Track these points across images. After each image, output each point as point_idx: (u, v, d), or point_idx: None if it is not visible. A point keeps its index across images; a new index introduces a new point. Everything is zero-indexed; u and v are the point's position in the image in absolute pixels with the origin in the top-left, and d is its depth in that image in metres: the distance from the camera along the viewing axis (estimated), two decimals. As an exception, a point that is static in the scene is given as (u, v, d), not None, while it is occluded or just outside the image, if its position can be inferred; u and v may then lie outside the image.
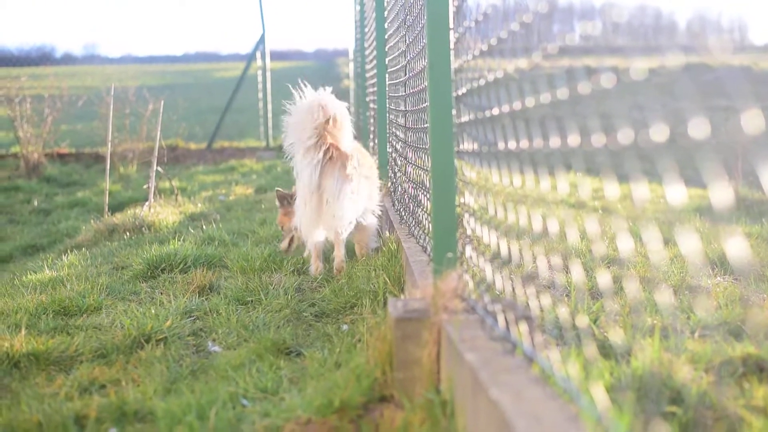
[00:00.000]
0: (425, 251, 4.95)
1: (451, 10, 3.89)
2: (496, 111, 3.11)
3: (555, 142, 2.40)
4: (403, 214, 6.52)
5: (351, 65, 24.48)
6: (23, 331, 5.06)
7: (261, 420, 3.53)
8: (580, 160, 2.24)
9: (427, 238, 4.91)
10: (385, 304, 4.97)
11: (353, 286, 5.77)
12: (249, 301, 5.91)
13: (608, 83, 2.03)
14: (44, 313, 5.66)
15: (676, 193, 1.79)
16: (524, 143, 2.76)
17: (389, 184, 8.34)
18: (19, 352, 4.75)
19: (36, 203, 16.64)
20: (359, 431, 3.33)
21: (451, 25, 3.88)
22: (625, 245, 2.04)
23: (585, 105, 2.17)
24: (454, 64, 3.89)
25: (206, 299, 6.00)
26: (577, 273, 2.42)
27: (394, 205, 7.37)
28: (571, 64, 2.34)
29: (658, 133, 1.80)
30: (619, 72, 2.06)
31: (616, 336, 2.18)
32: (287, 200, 7.18)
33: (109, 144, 12.17)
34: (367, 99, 12.55)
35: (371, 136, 11.73)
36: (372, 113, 11.49)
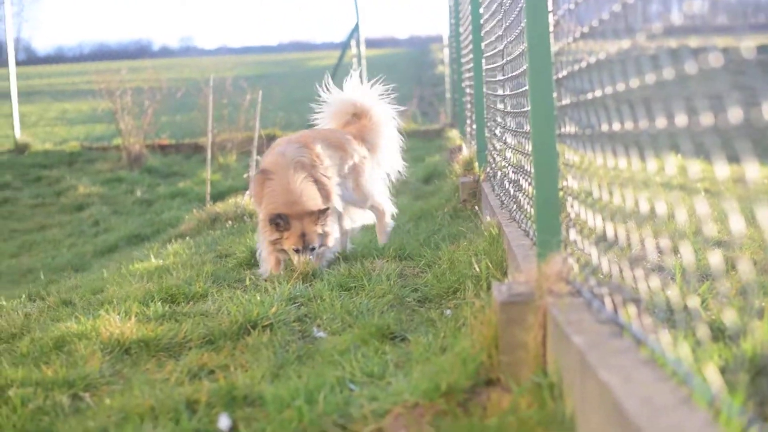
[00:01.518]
0: (527, 235, 4.94)
1: (551, -8, 3.87)
2: (598, 93, 3.10)
3: (661, 122, 2.39)
4: (503, 198, 6.51)
5: (445, 51, 24.42)
6: (133, 319, 5.20)
7: (369, 404, 3.57)
8: (687, 142, 2.22)
9: (529, 222, 4.91)
10: (488, 288, 4.97)
11: (455, 271, 5.78)
12: (352, 287, 5.96)
13: (716, 62, 2.02)
14: (152, 301, 5.80)
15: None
16: (629, 125, 2.74)
17: (488, 169, 8.33)
18: (130, 339, 4.88)
19: (139, 194, 17.01)
20: (467, 414, 3.35)
21: (550, 8, 3.86)
22: (736, 227, 2.02)
23: (690, 86, 2.15)
24: (554, 47, 3.87)
25: (310, 285, 6.08)
26: (687, 254, 2.40)
27: (494, 190, 7.36)
28: (675, 44, 2.32)
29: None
30: (725, 51, 2.04)
31: (727, 317, 2.16)
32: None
33: (210, 134, 12.34)
34: (463, 85, 12.54)
35: (468, 122, 11.72)
36: (469, 98, 11.48)
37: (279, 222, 6.50)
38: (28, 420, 3.85)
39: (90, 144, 21.75)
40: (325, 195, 6.93)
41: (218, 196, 13.77)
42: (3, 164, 19.89)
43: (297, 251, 6.56)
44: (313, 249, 6.61)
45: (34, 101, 31.34)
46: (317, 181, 6.89)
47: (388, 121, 7.97)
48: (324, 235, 6.66)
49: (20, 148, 21.09)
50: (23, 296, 6.94)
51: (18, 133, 21.65)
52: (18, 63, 22.51)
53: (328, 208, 6.68)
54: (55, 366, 4.50)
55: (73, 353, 4.74)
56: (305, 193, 6.68)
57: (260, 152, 12.68)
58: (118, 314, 5.36)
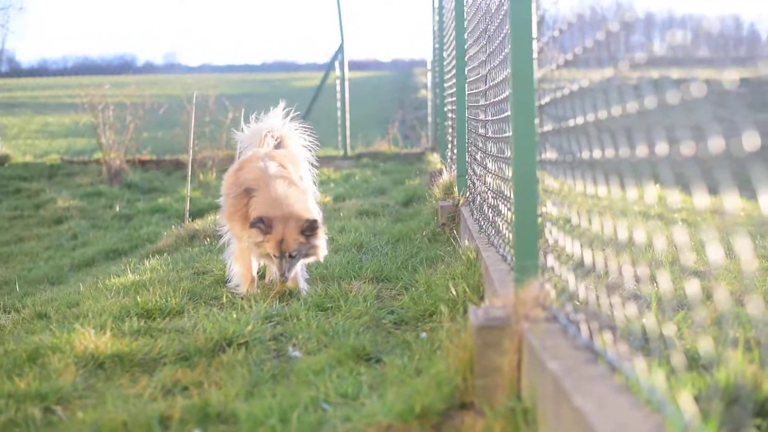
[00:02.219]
0: (505, 260, 4.95)
1: (535, 19, 3.90)
2: (580, 120, 3.11)
3: (642, 151, 2.40)
4: (482, 223, 6.52)
5: (429, 75, 24.48)
6: (108, 333, 5.17)
7: (342, 424, 3.57)
8: (667, 170, 2.24)
9: (507, 247, 4.92)
10: (464, 312, 4.98)
11: (432, 294, 5.79)
12: (329, 307, 5.96)
13: (698, 92, 2.04)
14: (128, 316, 5.78)
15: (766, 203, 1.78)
16: (609, 152, 2.76)
17: (467, 193, 8.35)
18: (104, 354, 4.86)
19: (118, 209, 16.94)
20: (440, 437, 3.34)
21: (535, 35, 3.89)
22: (713, 256, 2.04)
23: (671, 115, 2.17)
24: (538, 73, 3.89)
25: (286, 305, 6.07)
26: (663, 282, 2.42)
27: (473, 215, 7.38)
28: (658, 74, 2.35)
29: (749, 142, 1.80)
30: (708, 82, 2.05)
31: (703, 346, 2.17)
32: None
33: (191, 151, 12.33)
34: (446, 109, 12.58)
35: (449, 146, 11.75)
36: (450, 123, 11.51)
37: (260, 225, 6.33)
38: (-1, 432, 3.82)
39: (71, 158, 21.66)
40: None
41: (197, 213, 13.72)
42: (-18, 175, 19.79)
43: (276, 257, 6.37)
44: (291, 257, 6.39)
45: (16, 113, 31.19)
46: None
47: (304, 151, 8.01)
48: (311, 247, 6.46)
49: (0, 160, 20.99)
50: (-2, 308, 6.89)
51: (-2, 145, 21.56)
52: (1, 74, 22.44)
53: (316, 220, 6.50)
54: (28, 378, 4.47)
55: (47, 366, 4.71)
56: (292, 197, 6.59)
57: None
58: (93, 328, 5.33)
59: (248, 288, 6.67)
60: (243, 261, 6.79)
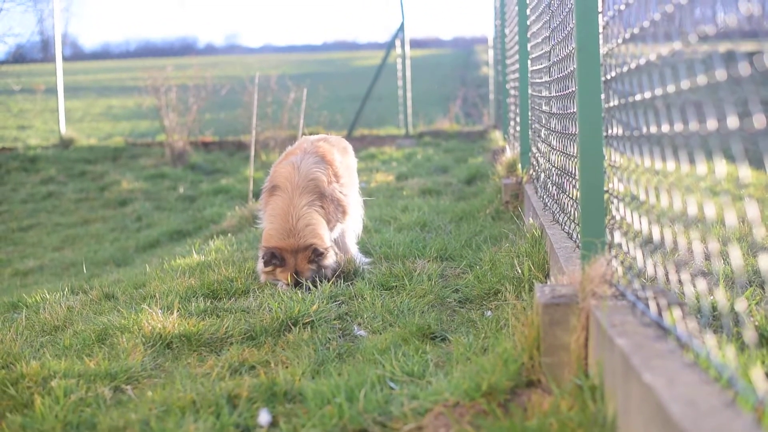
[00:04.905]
0: (571, 237, 4.93)
1: (600, -7, 3.86)
2: (647, 95, 3.08)
3: (711, 125, 2.37)
4: (546, 200, 6.49)
5: (490, 52, 24.37)
6: (175, 313, 5.24)
7: (409, 402, 3.57)
8: (737, 145, 2.20)
9: (572, 224, 4.89)
10: (529, 290, 4.96)
11: (497, 272, 5.77)
12: (393, 286, 5.97)
13: (770, 65, 2.00)
14: (194, 296, 5.84)
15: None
16: (677, 127, 2.73)
17: (531, 171, 8.31)
18: (172, 334, 4.92)
19: (182, 190, 17.12)
20: (507, 415, 3.34)
21: (600, 9, 3.85)
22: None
23: (741, 89, 2.14)
24: (603, 48, 3.86)
25: (351, 284, 6.09)
26: (734, 258, 2.39)
27: (536, 192, 7.34)
28: (726, 47, 2.31)
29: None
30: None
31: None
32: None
33: (254, 132, 12.40)
34: (508, 86, 12.50)
35: (512, 124, 11.69)
36: (513, 100, 11.45)
37: (273, 260, 6.27)
38: (70, 411, 3.88)
39: (134, 140, 21.93)
40: (342, 212, 6.86)
41: (260, 193, 13.82)
42: (48, 159, 20.09)
43: (288, 285, 6.27)
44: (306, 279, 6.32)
45: (80, 97, 31.64)
46: (333, 200, 6.72)
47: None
48: (322, 267, 6.37)
49: (65, 143, 21.28)
50: (66, 289, 6.99)
51: (63, 128, 21.84)
52: (65, 59, 22.75)
53: (323, 252, 6.34)
54: (98, 358, 4.54)
55: (116, 346, 4.78)
56: (305, 222, 6.44)
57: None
58: (160, 309, 5.40)
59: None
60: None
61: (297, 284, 6.23)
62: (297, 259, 6.28)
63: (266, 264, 6.29)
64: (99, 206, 16.70)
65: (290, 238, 6.33)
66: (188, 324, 5.04)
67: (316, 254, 6.29)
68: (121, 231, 14.61)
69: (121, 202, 16.75)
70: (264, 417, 3.68)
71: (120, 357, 4.59)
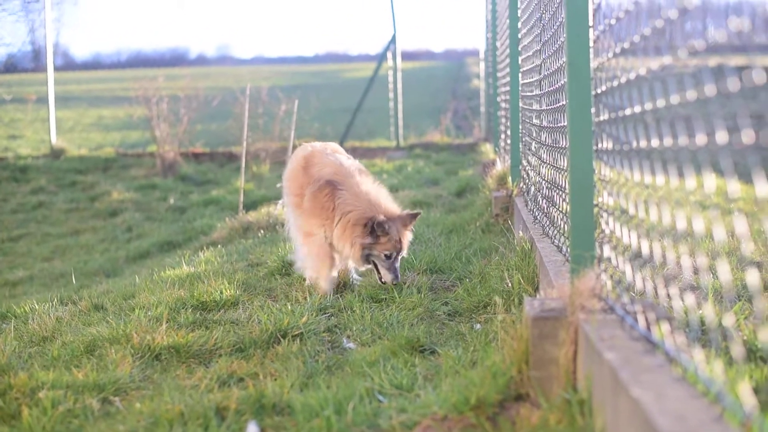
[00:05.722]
0: (560, 251, 4.93)
1: (591, 7, 3.87)
2: (637, 109, 3.09)
3: (700, 140, 2.38)
4: (536, 214, 6.49)
5: (481, 65, 24.40)
6: (164, 325, 5.23)
7: (397, 415, 3.57)
8: (726, 159, 2.21)
9: (562, 238, 4.89)
10: (519, 303, 4.97)
11: (486, 285, 5.78)
12: (382, 299, 5.97)
13: (759, 80, 2.01)
14: (183, 308, 5.83)
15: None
16: (667, 141, 2.73)
17: (521, 184, 8.31)
18: (160, 345, 4.91)
19: (172, 201, 17.10)
20: (496, 428, 3.34)
21: (591, 23, 3.86)
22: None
23: (731, 103, 2.14)
24: (594, 62, 3.87)
25: (340, 296, 6.09)
26: (722, 273, 2.39)
27: (527, 205, 7.35)
28: (716, 62, 2.31)
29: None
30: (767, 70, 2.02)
31: (763, 337, 2.14)
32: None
33: (245, 143, 12.40)
34: (499, 99, 12.52)
35: (503, 137, 11.70)
36: (504, 113, 11.46)
37: (383, 225, 6.08)
38: (58, 422, 3.87)
39: (125, 150, 21.92)
40: None
41: (251, 205, 13.82)
42: (39, 169, 20.05)
43: (388, 257, 6.17)
44: (401, 256, 6.30)
45: (71, 107, 31.57)
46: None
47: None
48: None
49: (56, 153, 21.26)
50: (55, 300, 6.98)
51: (54, 138, 21.81)
52: (56, 68, 22.70)
53: (419, 213, 6.48)
54: (86, 369, 4.53)
55: (104, 357, 4.77)
56: (382, 196, 6.43)
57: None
58: (149, 320, 5.39)
59: (328, 287, 6.36)
60: (323, 258, 6.44)
61: (398, 255, 6.22)
62: (399, 228, 6.21)
63: (371, 233, 6.11)
64: (89, 216, 16.67)
65: (378, 207, 6.25)
66: (177, 335, 5.03)
67: (413, 216, 6.35)
68: (111, 242, 14.58)
69: (112, 212, 16.73)
70: (252, 429, 3.68)
71: (108, 368, 4.58)
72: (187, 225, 14.58)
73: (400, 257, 6.25)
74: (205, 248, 9.84)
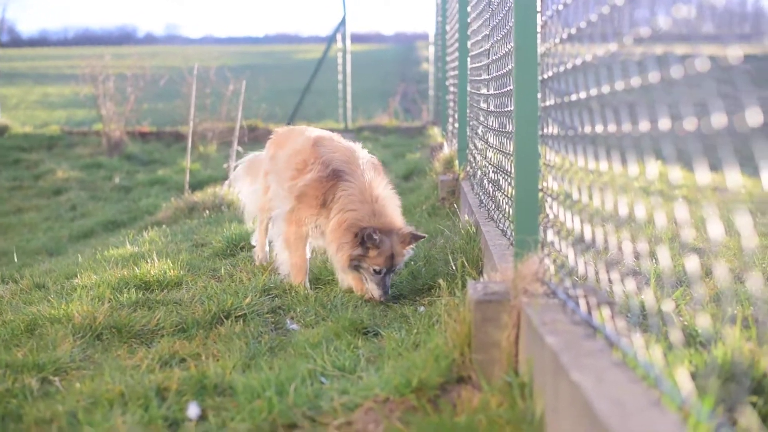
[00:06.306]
0: (505, 235, 4.95)
1: (539, -7, 3.88)
2: (583, 95, 3.10)
3: (644, 126, 2.39)
4: (482, 197, 6.52)
5: (431, 49, 24.43)
6: (106, 304, 5.18)
7: (339, 397, 3.56)
8: (669, 146, 2.22)
9: (507, 222, 4.91)
10: (463, 286, 4.98)
11: (431, 268, 5.79)
12: (327, 280, 5.96)
13: (702, 68, 2.02)
14: (126, 288, 5.77)
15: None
16: (612, 128, 2.74)
17: (468, 167, 8.34)
18: (102, 325, 4.86)
19: (117, 180, 16.95)
20: (437, 411, 3.34)
21: (539, 8, 3.86)
22: (714, 233, 2.02)
23: (675, 91, 2.15)
24: (541, 48, 3.87)
25: (285, 278, 6.06)
26: (663, 258, 2.41)
27: (473, 189, 7.37)
28: (662, 50, 2.33)
29: (752, 117, 1.78)
30: (712, 58, 2.04)
31: (702, 323, 2.17)
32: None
33: (192, 123, 12.31)
34: (447, 83, 12.53)
35: (450, 120, 11.72)
36: (452, 97, 11.48)
37: (374, 238, 5.53)
38: (-5, 402, 3.82)
39: (70, 128, 21.66)
40: None
41: (197, 185, 13.72)
42: (-19, 145, 19.78)
43: (377, 273, 5.60)
44: (393, 273, 5.73)
45: (16, 83, 31.17)
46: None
47: None
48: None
49: (0, 130, 20.96)
50: (-4, 278, 6.90)
51: (-2, 115, 21.52)
52: (1, 45, 22.40)
53: (423, 237, 5.82)
54: (26, 349, 4.47)
55: (45, 337, 4.71)
56: (390, 205, 5.85)
57: (241, 142, 12.68)
58: (91, 299, 5.33)
59: (302, 279, 5.98)
60: (298, 248, 6.01)
61: (388, 271, 5.63)
62: (394, 242, 5.61)
63: (361, 244, 5.56)
64: (33, 195, 16.47)
65: (382, 216, 5.71)
66: (119, 315, 4.98)
67: (415, 238, 5.73)
68: (54, 220, 14.42)
69: (56, 191, 16.53)
70: (193, 410, 3.65)
71: (48, 348, 4.52)
72: (133, 204, 14.46)
73: (391, 274, 5.69)
74: (149, 228, 9.76)
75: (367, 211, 5.66)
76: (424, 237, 5.78)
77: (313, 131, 6.44)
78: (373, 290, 5.61)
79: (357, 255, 5.59)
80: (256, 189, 6.96)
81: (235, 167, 7.41)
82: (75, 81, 22.59)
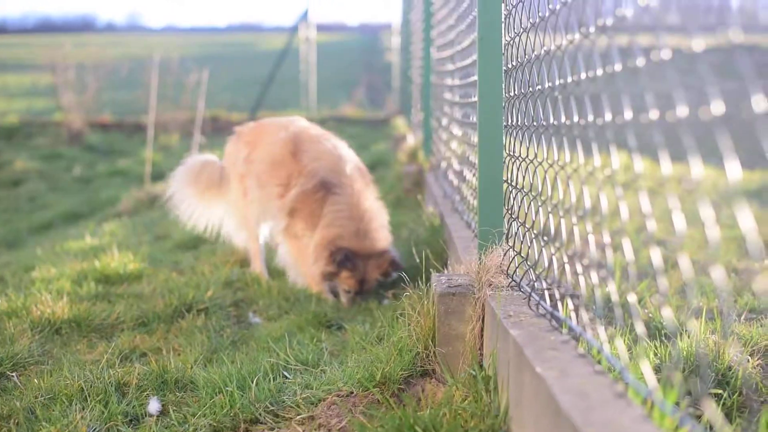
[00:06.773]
0: (469, 227, 4.93)
1: (503, -17, 3.85)
2: (547, 85, 3.08)
3: (608, 117, 2.37)
4: (446, 189, 6.50)
5: (396, 39, 24.40)
6: (65, 298, 5.11)
7: (302, 392, 3.54)
8: (633, 137, 2.21)
9: (471, 214, 4.89)
10: (427, 279, 4.96)
11: (395, 260, 5.76)
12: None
13: (666, 58, 2.00)
14: (86, 281, 5.71)
15: (733, 171, 1.75)
16: (576, 118, 2.72)
17: (432, 159, 8.32)
18: (61, 319, 4.80)
19: (78, 171, 16.77)
20: (401, 405, 3.32)
21: (503, -1, 3.84)
22: (678, 225, 2.01)
23: (638, 81, 2.14)
24: (505, 38, 3.85)
25: (247, 271, 6.02)
26: (627, 251, 2.40)
27: (437, 180, 7.35)
28: (626, 40, 2.31)
29: (716, 109, 1.77)
30: (676, 49, 2.02)
31: (666, 315, 2.15)
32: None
33: (153, 113, 12.21)
34: (412, 73, 12.51)
35: (414, 111, 11.70)
36: (417, 87, 11.47)
37: (346, 263, 5.50)
38: (-48, 398, 3.76)
39: (30, 118, 21.41)
40: None
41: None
42: (-62, 135, 19.54)
43: (347, 292, 5.59)
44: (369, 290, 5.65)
45: (-26, 72, 30.82)
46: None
47: None
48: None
49: (-43, 120, 20.74)
50: (-48, 271, 6.80)
51: (-44, 104, 21.28)
52: (-41, 32, 22.11)
53: (402, 267, 5.57)
54: (-18, 344, 4.40)
55: (2, 331, 4.65)
56: (375, 222, 5.73)
57: (203, 133, 12.60)
58: (50, 293, 5.26)
59: (322, 287, 5.70)
60: (306, 259, 5.75)
61: (359, 293, 5.60)
62: (368, 267, 5.55)
63: (339, 264, 5.49)
64: (-9, 186, 16.29)
65: (365, 239, 5.62)
66: (79, 309, 4.93)
67: (394, 267, 5.62)
68: (13, 212, 14.25)
69: (15, 182, 16.34)
70: (154, 406, 3.62)
71: (6, 343, 4.46)
72: (93, 196, 14.32)
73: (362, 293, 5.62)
74: (110, 220, 9.69)
75: (352, 230, 5.58)
76: (402, 268, 5.53)
77: (288, 125, 6.20)
78: (345, 302, 5.57)
79: (329, 272, 5.54)
80: (232, 200, 6.43)
81: (173, 176, 6.78)
82: (34, 70, 22.43)
